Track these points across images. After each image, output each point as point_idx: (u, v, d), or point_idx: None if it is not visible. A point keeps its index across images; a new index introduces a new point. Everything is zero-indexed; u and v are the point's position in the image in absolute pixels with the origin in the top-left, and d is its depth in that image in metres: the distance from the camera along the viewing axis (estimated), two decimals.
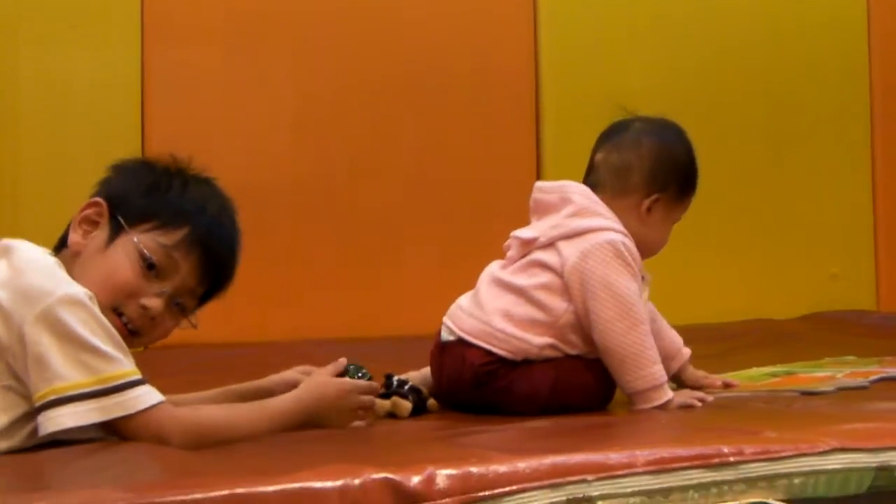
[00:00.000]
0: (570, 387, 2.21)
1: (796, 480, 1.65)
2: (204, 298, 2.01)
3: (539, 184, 2.39)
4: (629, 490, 1.56)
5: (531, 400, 2.18)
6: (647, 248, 2.32)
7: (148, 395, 1.81)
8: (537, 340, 2.21)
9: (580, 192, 2.30)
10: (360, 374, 2.07)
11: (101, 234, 1.95)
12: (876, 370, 2.60)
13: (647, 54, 4.48)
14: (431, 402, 2.29)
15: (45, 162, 3.89)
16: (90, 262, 1.92)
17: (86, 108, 3.95)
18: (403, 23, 4.27)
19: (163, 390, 1.86)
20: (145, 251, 1.92)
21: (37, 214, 3.75)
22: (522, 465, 1.53)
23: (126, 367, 1.81)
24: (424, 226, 4.17)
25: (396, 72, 4.23)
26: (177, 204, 1.96)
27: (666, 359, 2.29)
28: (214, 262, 1.98)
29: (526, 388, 2.19)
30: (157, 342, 1.99)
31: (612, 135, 2.41)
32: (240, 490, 1.43)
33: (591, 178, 2.37)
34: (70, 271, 1.88)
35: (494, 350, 2.21)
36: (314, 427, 1.96)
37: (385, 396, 2.23)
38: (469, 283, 2.37)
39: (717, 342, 3.53)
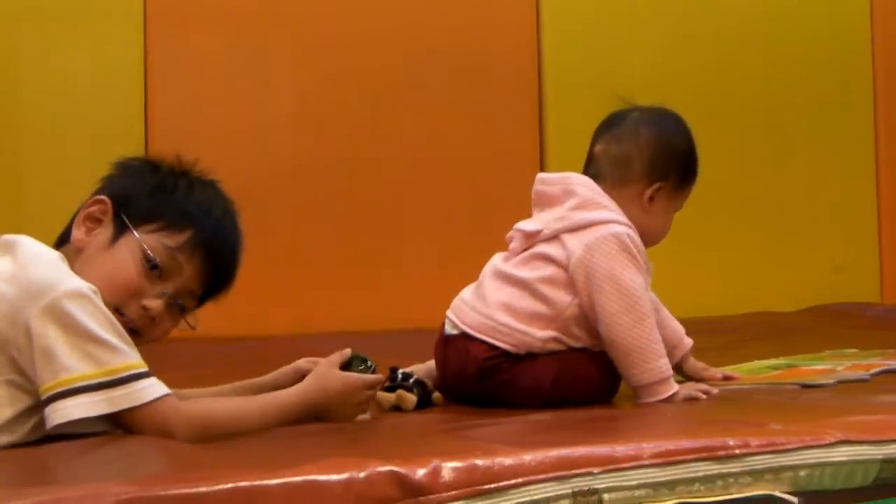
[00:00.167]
0: (573, 379, 2.21)
1: (802, 473, 1.65)
2: (203, 299, 2.01)
3: (541, 175, 2.38)
4: (635, 483, 1.56)
5: (534, 392, 2.18)
6: (649, 238, 2.31)
7: (154, 388, 1.81)
8: (540, 334, 2.21)
9: (584, 184, 2.29)
10: (364, 366, 2.06)
11: (105, 232, 1.95)
12: (877, 363, 2.60)
13: (650, 45, 4.48)
14: (436, 395, 2.29)
15: (47, 152, 3.89)
16: (93, 260, 1.92)
17: (88, 98, 3.95)
18: (406, 13, 4.27)
19: (168, 384, 1.86)
20: (149, 252, 1.92)
21: (40, 204, 3.76)
22: (528, 457, 1.53)
23: (132, 359, 1.81)
24: (427, 218, 4.17)
25: (399, 63, 4.23)
26: (182, 206, 1.97)
27: (668, 348, 2.29)
28: (217, 265, 1.99)
29: (529, 381, 2.19)
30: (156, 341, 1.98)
31: (610, 125, 2.40)
32: (244, 483, 1.42)
33: (591, 170, 2.37)
34: (72, 267, 1.88)
35: (497, 344, 2.21)
36: (319, 420, 1.96)
37: (390, 390, 2.23)
38: (472, 276, 2.37)
39: (719, 335, 3.53)
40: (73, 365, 1.76)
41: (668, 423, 2.02)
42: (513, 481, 1.50)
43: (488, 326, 2.22)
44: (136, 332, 1.91)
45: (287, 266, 4.05)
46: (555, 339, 2.22)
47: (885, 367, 2.53)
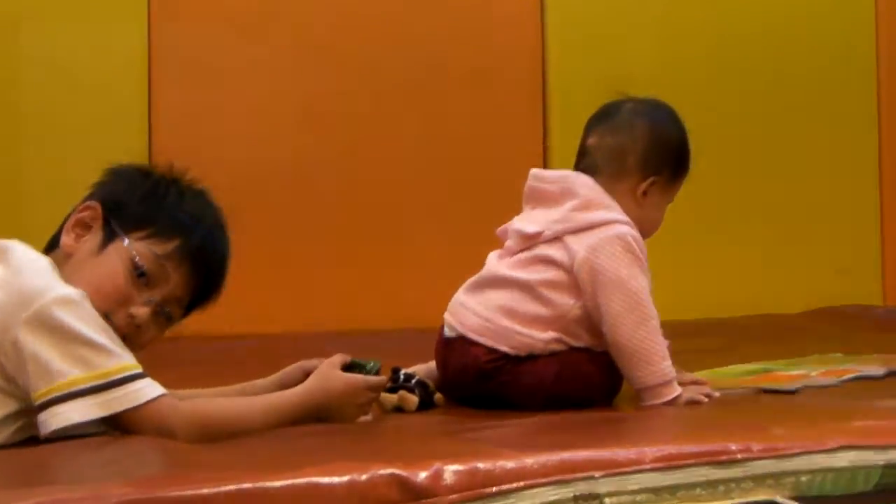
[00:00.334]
0: (574, 378, 2.20)
1: (803, 478, 1.65)
2: (190, 309, 2.00)
3: (537, 172, 2.36)
4: (636, 487, 1.56)
5: (536, 392, 2.18)
6: (644, 231, 2.30)
7: (149, 388, 1.81)
8: (542, 336, 2.21)
9: (585, 184, 2.28)
10: (366, 368, 2.06)
11: (95, 238, 1.94)
12: (852, 368, 2.58)
13: (654, 44, 4.47)
14: (438, 396, 2.29)
15: (49, 149, 3.88)
16: (82, 266, 1.92)
17: (91, 94, 3.93)
18: (411, 9, 4.25)
19: (171, 383, 1.86)
20: (137, 259, 1.91)
21: (41, 203, 3.75)
22: (530, 460, 1.53)
23: (126, 360, 1.81)
24: (430, 217, 4.16)
25: (402, 63, 4.22)
26: (172, 213, 1.96)
27: None
28: (205, 275, 1.97)
29: (530, 381, 2.18)
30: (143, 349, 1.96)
31: (603, 118, 2.39)
32: (247, 485, 1.43)
33: (584, 163, 2.35)
34: (61, 273, 1.87)
35: (499, 347, 2.21)
36: (321, 422, 1.96)
37: (392, 391, 2.23)
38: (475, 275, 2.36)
39: (721, 336, 3.53)
40: (66, 370, 1.76)
41: (670, 426, 2.02)
42: (514, 485, 1.50)
43: (489, 329, 2.22)
44: (122, 340, 1.91)
45: (290, 264, 4.04)
46: (557, 340, 2.21)
47: (858, 374, 2.52)
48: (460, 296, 2.32)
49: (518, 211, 2.38)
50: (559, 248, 2.23)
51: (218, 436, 1.81)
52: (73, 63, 3.93)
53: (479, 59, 4.28)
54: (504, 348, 2.20)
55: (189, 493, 1.40)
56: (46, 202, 3.55)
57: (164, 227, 1.94)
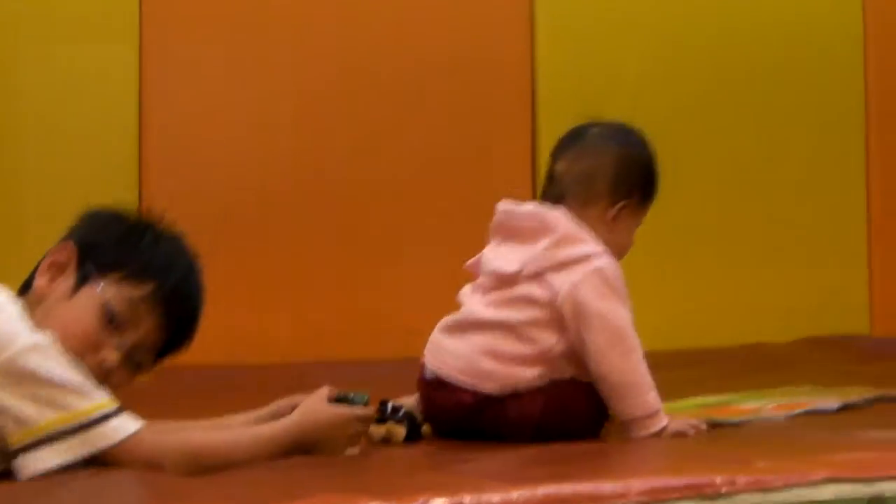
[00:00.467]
0: (560, 409, 2.20)
1: None
2: (160, 356, 2.00)
3: (507, 207, 2.34)
4: None
5: (523, 426, 2.17)
6: (615, 254, 2.29)
7: (126, 424, 1.81)
8: (528, 373, 2.20)
9: (561, 219, 2.26)
10: (356, 400, 2.07)
11: (68, 280, 1.94)
12: (805, 402, 2.58)
13: (644, 53, 4.46)
14: (425, 428, 2.29)
15: (41, 163, 3.88)
16: (54, 309, 1.92)
17: (84, 103, 3.93)
18: (401, 17, 4.25)
19: (157, 415, 1.86)
20: (110, 302, 1.91)
21: (36, 211, 3.77)
22: (515, 494, 1.53)
23: (101, 398, 1.81)
24: (421, 247, 4.13)
25: (390, 73, 4.22)
26: (147, 257, 1.96)
27: None
28: (177, 320, 1.97)
29: (517, 416, 2.18)
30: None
31: (570, 143, 2.39)
32: None
33: (553, 190, 2.34)
34: (33, 315, 1.87)
35: (484, 389, 2.19)
36: (309, 454, 1.96)
37: (380, 422, 2.23)
38: None
39: (707, 366, 3.54)
40: (41, 415, 1.76)
41: (655, 459, 2.02)
42: None
43: (473, 373, 2.20)
44: None
45: (278, 295, 4.03)
46: (542, 376, 2.21)
47: (809, 409, 2.51)
48: (439, 337, 2.30)
49: None
50: (540, 286, 2.22)
51: (206, 468, 1.81)
52: (65, 80, 3.93)
53: (470, 70, 4.28)
54: (489, 390, 2.19)
55: None
56: (39, 223, 3.59)
57: (138, 271, 1.94)
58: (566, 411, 2.21)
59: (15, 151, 3.89)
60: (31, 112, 3.91)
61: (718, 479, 1.64)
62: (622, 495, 1.58)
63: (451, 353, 2.25)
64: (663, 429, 2.18)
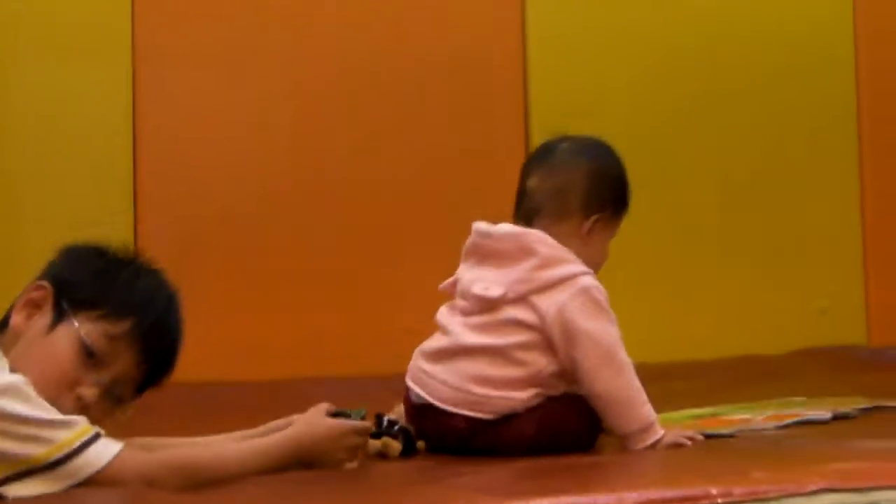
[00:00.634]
0: (554, 426, 2.20)
1: None
2: (141, 389, 1.99)
3: (483, 228, 2.32)
4: None
5: (518, 445, 2.16)
6: (591, 268, 2.29)
7: (108, 448, 1.80)
8: (522, 395, 2.20)
9: (541, 241, 2.25)
10: (353, 415, 2.07)
11: (44, 318, 1.93)
12: (795, 412, 2.58)
13: (635, 58, 4.47)
14: (421, 443, 2.28)
15: (38, 185, 3.88)
16: (30, 347, 1.91)
17: (78, 130, 3.94)
18: (394, 22, 4.26)
19: (154, 431, 1.86)
20: (86, 339, 1.90)
21: (33, 217, 3.77)
22: None
23: (79, 427, 1.79)
24: (417, 264, 4.12)
25: (386, 72, 4.22)
26: (125, 293, 1.95)
27: None
28: (156, 356, 1.96)
29: (512, 436, 2.17)
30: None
31: (541, 159, 2.39)
32: None
33: (525, 206, 2.34)
34: (7, 353, 1.87)
35: (478, 415, 2.19)
36: (307, 468, 1.96)
37: (376, 436, 2.22)
38: None
39: (703, 378, 3.54)
40: (24, 450, 1.74)
41: (651, 470, 2.02)
42: None
43: (466, 400, 2.19)
44: None
45: (273, 309, 4.03)
46: (536, 396, 2.21)
47: (802, 418, 2.51)
48: (422, 364, 2.27)
49: None
50: (526, 310, 2.21)
51: (197, 483, 1.80)
52: (57, 103, 3.94)
53: (462, 76, 4.28)
54: (483, 415, 2.18)
55: None
56: (37, 225, 3.60)
57: (117, 307, 1.93)
58: (560, 427, 2.21)
59: (10, 161, 3.89)
60: (26, 120, 3.92)
61: (714, 491, 1.64)
62: None
63: (437, 380, 2.23)
64: (659, 441, 2.18)
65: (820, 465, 1.79)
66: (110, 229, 3.59)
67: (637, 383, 2.20)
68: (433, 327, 2.34)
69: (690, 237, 4.47)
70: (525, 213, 2.34)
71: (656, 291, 4.35)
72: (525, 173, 2.39)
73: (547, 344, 2.20)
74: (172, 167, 4.02)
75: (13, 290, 2.01)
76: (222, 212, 4.03)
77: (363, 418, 2.10)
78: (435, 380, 2.23)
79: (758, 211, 4.56)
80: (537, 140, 4.21)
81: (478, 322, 2.24)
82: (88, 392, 1.89)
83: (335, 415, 2.06)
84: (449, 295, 2.36)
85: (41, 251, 2.05)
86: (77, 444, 1.77)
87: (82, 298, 1.93)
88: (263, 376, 3.73)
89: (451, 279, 2.35)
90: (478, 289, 2.24)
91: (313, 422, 2.01)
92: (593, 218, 2.32)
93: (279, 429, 2.07)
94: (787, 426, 2.46)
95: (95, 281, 1.95)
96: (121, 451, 1.80)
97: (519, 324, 2.21)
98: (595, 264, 2.31)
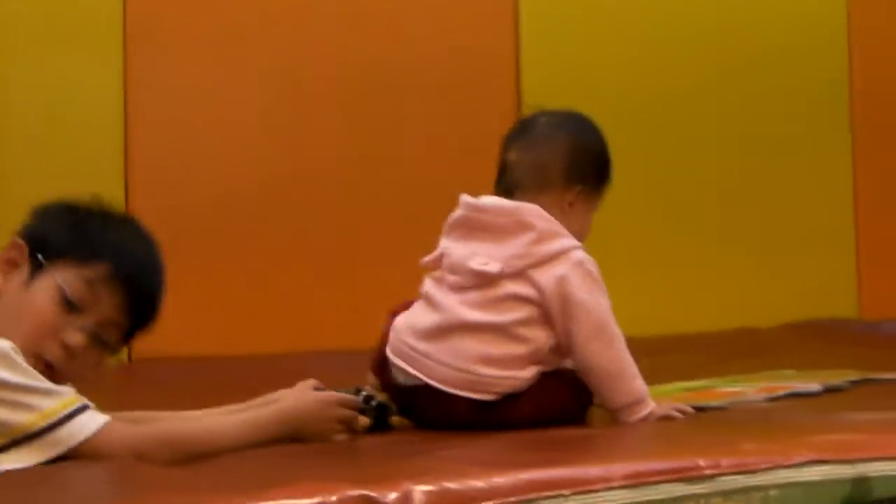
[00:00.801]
0: (550, 402, 2.19)
1: (772, 493, 1.65)
2: (129, 334, 2.01)
3: (476, 202, 2.29)
4: None
5: (515, 424, 2.14)
6: None
7: (95, 419, 1.81)
8: (525, 374, 2.18)
9: (539, 216, 2.24)
10: (337, 391, 2.07)
11: (22, 274, 1.95)
12: (788, 385, 2.58)
13: (631, 48, 4.48)
14: (396, 418, 2.25)
15: (29, 174, 3.88)
16: (11, 303, 1.93)
17: (69, 119, 3.94)
18: (387, 19, 4.26)
19: (149, 405, 1.86)
20: (64, 286, 1.92)
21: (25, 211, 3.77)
22: (500, 479, 1.53)
23: (66, 396, 1.81)
24: (396, 237, 4.13)
25: (379, 69, 4.22)
26: (97, 239, 1.97)
27: None
28: (137, 296, 1.97)
29: (511, 416, 2.15)
30: (85, 380, 1.96)
31: (521, 133, 2.38)
32: None
33: (506, 180, 2.33)
34: None
35: (485, 397, 2.16)
36: (296, 441, 1.97)
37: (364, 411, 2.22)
38: None
39: (697, 351, 3.54)
40: (13, 417, 1.76)
41: (640, 443, 2.03)
42: None
43: (470, 381, 2.16)
44: (61, 375, 1.90)
45: (260, 285, 4.04)
46: (535, 373, 2.20)
47: (792, 391, 2.51)
48: (413, 342, 2.22)
49: None
50: (525, 284, 2.19)
51: (185, 456, 1.81)
52: (48, 93, 3.93)
53: (454, 74, 4.28)
54: (489, 396, 2.16)
55: None
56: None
57: (91, 253, 1.95)
58: (555, 404, 2.21)
59: (1, 150, 3.89)
60: (16, 109, 3.91)
61: (702, 462, 1.65)
62: (606, 479, 1.58)
63: (436, 362, 2.19)
64: (650, 414, 2.19)
65: (808, 436, 1.80)
66: None
67: (628, 356, 2.20)
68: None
69: (683, 212, 4.48)
70: (506, 187, 2.33)
71: (649, 266, 4.36)
72: (505, 147, 2.37)
73: (545, 318, 2.20)
74: (164, 156, 4.03)
75: None
76: (213, 199, 4.04)
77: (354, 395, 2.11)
78: (433, 360, 2.19)
79: (751, 185, 4.57)
80: None
81: (476, 298, 2.20)
82: (73, 337, 1.91)
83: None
84: (431, 269, 2.33)
85: None
86: (63, 413, 1.78)
87: (57, 249, 1.95)
88: (251, 351, 3.74)
89: (435, 253, 2.32)
90: (475, 264, 2.21)
91: (301, 395, 2.02)
92: (575, 190, 2.32)
93: (267, 403, 2.07)
94: (777, 398, 2.46)
95: (69, 231, 1.97)
96: (108, 422, 1.81)
97: (519, 299, 2.19)
98: (578, 238, 2.29)
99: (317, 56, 4.19)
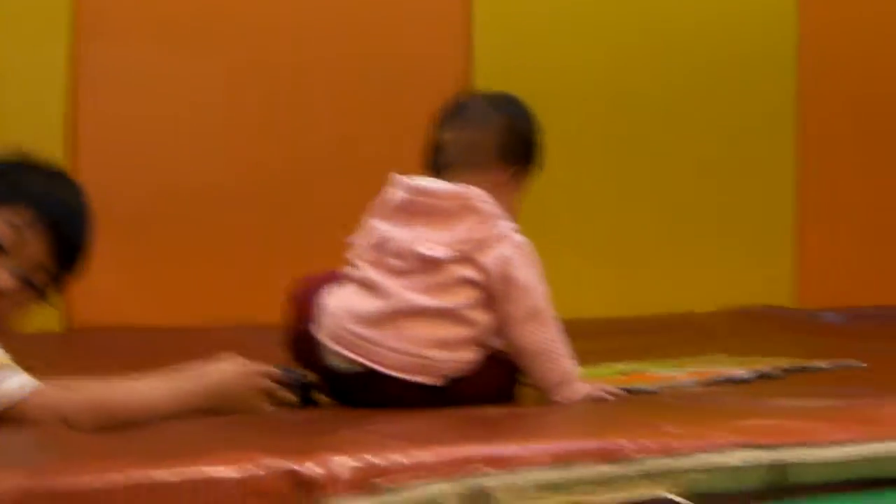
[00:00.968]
0: (488, 384, 2.20)
1: (695, 475, 1.67)
2: (59, 279, 2.02)
3: (417, 185, 2.28)
4: (528, 483, 1.58)
5: (457, 403, 2.15)
6: None
7: (23, 381, 1.81)
8: (471, 356, 2.19)
9: (483, 199, 2.24)
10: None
11: None
12: (719, 370, 2.60)
13: (580, 40, 4.48)
14: (319, 396, 2.24)
15: None
16: None
17: (12, 105, 3.90)
18: (337, 14, 4.25)
19: (84, 373, 1.86)
20: None
21: None
22: (423, 455, 1.55)
23: None
24: (335, 215, 4.10)
25: (328, 65, 4.21)
26: (23, 186, 1.99)
27: None
28: (63, 241, 1.99)
29: (453, 398, 2.15)
30: (16, 323, 1.98)
31: (456, 113, 2.38)
32: (138, 477, 1.43)
33: (440, 159, 2.32)
34: None
35: (435, 382, 2.16)
36: (221, 414, 1.97)
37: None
38: None
39: (634, 336, 3.56)
40: None
41: (567, 423, 2.04)
42: (406, 479, 1.51)
43: (418, 365, 2.16)
44: None
45: (198, 260, 4.04)
46: (478, 355, 2.21)
47: (722, 377, 2.54)
48: (355, 328, 2.19)
49: None
50: (470, 268, 2.19)
51: (113, 422, 1.82)
52: None
53: (406, 65, 4.27)
54: (438, 380, 2.16)
55: (79, 484, 1.40)
56: None
57: (16, 199, 1.96)
58: (492, 384, 2.22)
59: None
60: None
61: (627, 444, 1.66)
62: (530, 458, 1.59)
63: (385, 348, 2.17)
64: (579, 393, 2.20)
65: (733, 421, 1.82)
66: None
67: (560, 337, 2.21)
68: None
69: (623, 197, 4.49)
70: (439, 166, 2.32)
71: (589, 249, 4.37)
72: (438, 126, 2.37)
73: (489, 300, 2.20)
74: (109, 131, 3.99)
75: None
76: (154, 175, 4.02)
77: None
78: (382, 347, 2.17)
79: (692, 171, 4.58)
80: None
81: (422, 283, 2.19)
82: (2, 278, 1.92)
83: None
84: (370, 252, 2.28)
85: None
86: None
87: None
88: (188, 323, 3.73)
89: (371, 237, 2.28)
90: (423, 249, 2.20)
91: (225, 367, 2.03)
92: (508, 171, 2.32)
93: (192, 374, 2.07)
94: (710, 384, 2.48)
95: None
96: (37, 386, 1.81)
97: (465, 282, 2.19)
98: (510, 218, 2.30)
99: (267, 41, 4.16)
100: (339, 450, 1.53)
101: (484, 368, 2.21)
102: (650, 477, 1.65)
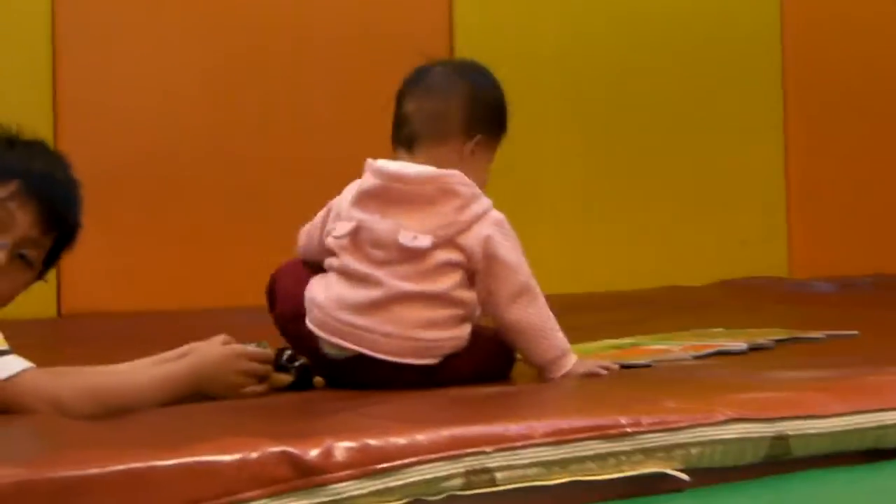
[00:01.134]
0: (485, 360, 2.22)
1: (693, 450, 1.67)
2: (54, 252, 2.03)
3: (391, 171, 2.23)
4: (527, 461, 1.57)
5: (455, 381, 2.15)
6: None
7: (15, 363, 1.82)
8: (464, 331, 2.20)
9: (461, 181, 2.21)
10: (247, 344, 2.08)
11: None
12: (715, 344, 2.59)
13: (562, 20, 4.48)
14: (318, 379, 2.25)
15: None
16: None
17: None
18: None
19: (76, 359, 1.85)
20: None
21: None
22: (421, 436, 1.54)
23: None
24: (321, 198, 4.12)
25: (310, 33, 4.20)
26: (6, 160, 2.00)
27: None
28: (51, 212, 2.00)
29: (450, 376, 2.16)
30: (11, 300, 1.99)
31: (417, 83, 2.34)
32: (136, 465, 1.42)
33: (405, 131, 2.29)
34: None
35: (429, 361, 2.16)
36: (210, 399, 1.97)
37: (281, 370, 2.21)
38: None
39: (627, 309, 3.56)
40: None
41: (563, 400, 2.03)
42: (405, 461, 1.51)
43: (413, 348, 2.15)
44: None
45: (184, 242, 4.03)
46: (470, 331, 2.21)
47: (718, 349, 2.53)
48: (346, 317, 2.17)
49: None
50: (454, 251, 2.18)
51: (105, 409, 1.82)
52: None
53: (388, 40, 4.26)
54: (430, 360, 2.16)
55: (76, 473, 1.39)
56: None
57: (0, 172, 1.97)
58: (488, 359, 2.23)
59: None
60: None
61: (624, 420, 1.66)
62: (527, 436, 1.59)
63: (378, 334, 2.15)
64: (573, 367, 2.20)
65: (730, 394, 1.81)
66: None
67: (549, 312, 2.21)
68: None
69: (615, 169, 4.49)
70: (405, 138, 2.29)
71: (581, 222, 4.38)
72: (400, 98, 2.33)
73: (472, 279, 2.20)
74: (93, 114, 4.00)
75: None
76: (141, 160, 4.03)
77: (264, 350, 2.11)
78: (375, 333, 2.15)
79: (683, 143, 4.59)
80: None
81: (408, 271, 2.17)
82: None
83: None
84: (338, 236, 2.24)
85: None
86: None
87: None
88: (180, 306, 3.73)
89: (347, 227, 2.23)
90: (405, 240, 2.17)
91: (208, 349, 2.04)
92: (476, 139, 2.29)
93: (177, 357, 2.07)
94: (704, 357, 2.48)
95: None
96: (30, 368, 1.81)
97: (450, 265, 2.18)
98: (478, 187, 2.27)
99: (252, 9, 4.16)
100: (337, 432, 1.52)
101: (478, 344, 2.21)
102: (650, 453, 1.64)
